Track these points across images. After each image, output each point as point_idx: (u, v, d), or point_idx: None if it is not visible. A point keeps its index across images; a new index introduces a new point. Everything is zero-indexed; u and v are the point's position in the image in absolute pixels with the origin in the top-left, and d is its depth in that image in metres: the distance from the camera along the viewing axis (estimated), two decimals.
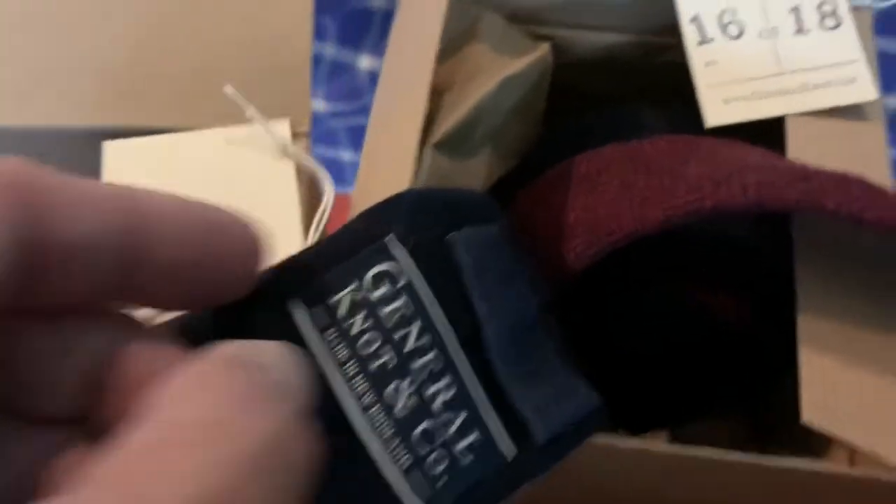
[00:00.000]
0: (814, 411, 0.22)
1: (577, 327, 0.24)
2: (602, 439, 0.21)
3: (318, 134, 0.56)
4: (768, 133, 0.27)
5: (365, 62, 0.46)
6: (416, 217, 0.20)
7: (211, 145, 0.25)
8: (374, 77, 0.43)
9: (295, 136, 0.25)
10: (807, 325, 0.23)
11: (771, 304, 0.26)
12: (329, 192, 0.24)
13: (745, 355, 0.26)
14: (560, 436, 0.20)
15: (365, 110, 0.37)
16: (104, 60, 0.26)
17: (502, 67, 0.30)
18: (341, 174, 0.58)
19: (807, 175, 0.21)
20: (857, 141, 0.26)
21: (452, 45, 0.31)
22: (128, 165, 0.25)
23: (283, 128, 0.25)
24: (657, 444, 0.23)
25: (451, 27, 0.31)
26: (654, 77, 0.32)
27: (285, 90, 0.26)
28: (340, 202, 0.28)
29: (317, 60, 0.52)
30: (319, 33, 0.50)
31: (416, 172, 0.26)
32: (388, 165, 0.24)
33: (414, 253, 0.20)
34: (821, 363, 0.22)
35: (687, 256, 0.28)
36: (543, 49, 0.31)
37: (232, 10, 0.26)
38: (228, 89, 0.24)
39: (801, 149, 0.26)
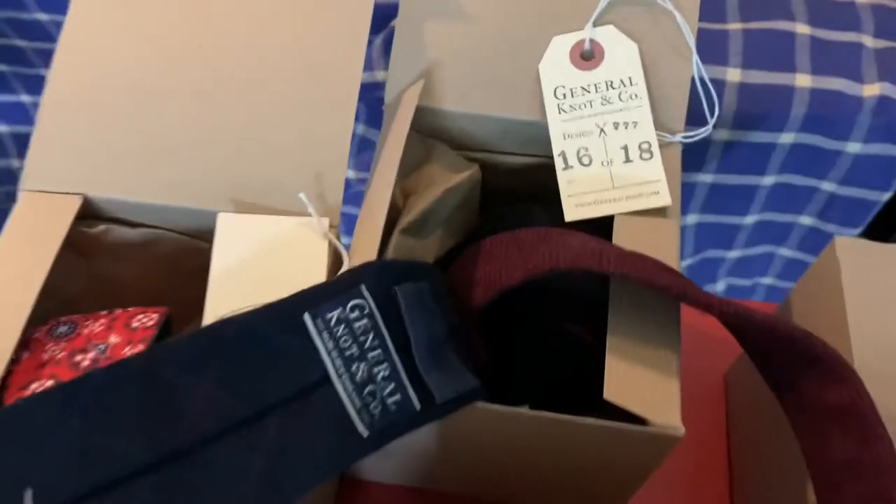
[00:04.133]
0: (612, 393, 0.37)
1: (493, 341, 0.40)
2: (481, 405, 0.36)
3: (347, 196, 0.69)
4: (606, 222, 0.43)
5: None
6: (377, 275, 0.36)
7: (286, 226, 0.41)
8: None
9: (330, 227, 0.42)
10: (613, 342, 0.38)
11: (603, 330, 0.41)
12: (346, 263, 0.40)
13: (590, 361, 0.41)
14: (450, 400, 0.36)
15: None
16: (203, 157, 0.43)
17: (447, 180, 0.47)
18: None
19: (622, 254, 0.37)
20: (658, 232, 0.42)
21: (416, 164, 0.47)
22: (235, 232, 0.41)
23: (324, 222, 0.41)
24: (509, 410, 0.37)
25: (414, 153, 0.47)
26: (551, 179, 0.48)
27: (326, 193, 0.42)
28: None
29: None
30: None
31: (383, 250, 0.42)
32: (366, 244, 0.40)
33: (373, 295, 0.36)
34: (625, 368, 0.37)
35: (561, 304, 0.43)
36: (474, 168, 0.47)
37: (288, 126, 0.43)
38: (302, 196, 0.40)
39: (622, 235, 0.41)
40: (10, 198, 1.33)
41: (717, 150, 0.97)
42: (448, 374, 0.36)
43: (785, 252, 1.12)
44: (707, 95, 0.47)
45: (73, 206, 0.42)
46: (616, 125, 0.44)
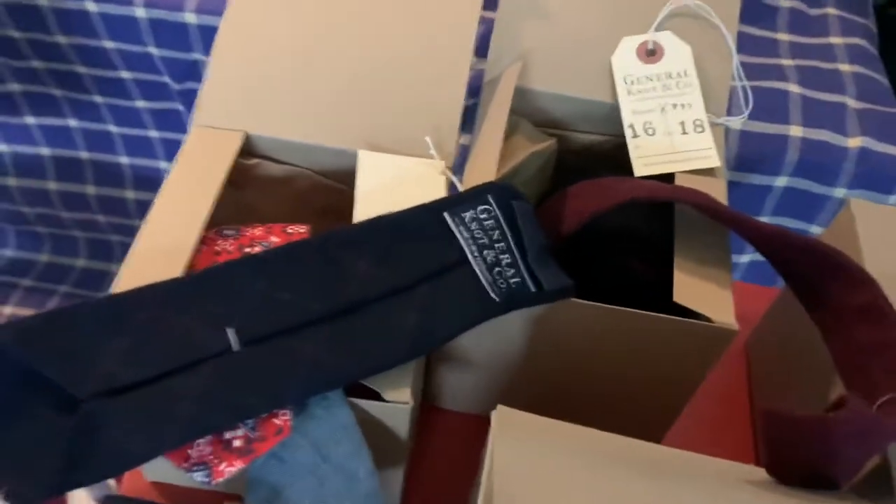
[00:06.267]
0: (680, 297, 0.46)
1: (576, 262, 0.49)
2: (574, 300, 0.45)
3: None
4: (668, 177, 0.53)
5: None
6: (499, 191, 0.46)
7: (412, 163, 0.50)
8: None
9: (446, 167, 0.51)
10: (679, 261, 0.47)
11: (664, 266, 0.50)
12: (458, 189, 0.50)
13: (652, 292, 0.50)
14: (555, 290, 0.45)
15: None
16: (345, 108, 0.52)
17: (529, 148, 0.56)
18: None
19: (689, 188, 0.47)
20: (711, 185, 0.52)
21: (506, 136, 0.57)
22: (372, 165, 0.50)
23: (441, 163, 0.51)
24: (599, 305, 0.46)
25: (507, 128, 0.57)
26: (616, 155, 0.57)
27: (443, 143, 0.52)
28: None
29: None
30: None
31: None
32: (480, 174, 0.50)
33: (497, 204, 0.45)
34: (689, 280, 0.47)
35: (625, 245, 0.53)
36: (552, 141, 0.57)
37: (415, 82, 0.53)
38: (427, 139, 0.50)
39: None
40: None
41: None
42: (552, 271, 0.45)
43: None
44: (744, 90, 0.58)
45: (237, 140, 0.51)
46: (674, 106, 0.55)
